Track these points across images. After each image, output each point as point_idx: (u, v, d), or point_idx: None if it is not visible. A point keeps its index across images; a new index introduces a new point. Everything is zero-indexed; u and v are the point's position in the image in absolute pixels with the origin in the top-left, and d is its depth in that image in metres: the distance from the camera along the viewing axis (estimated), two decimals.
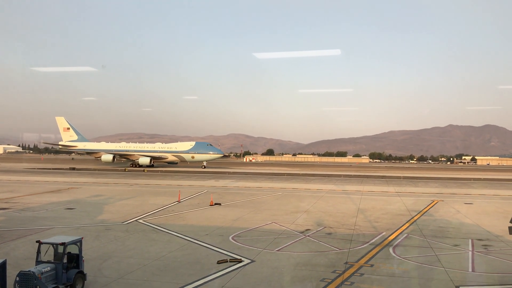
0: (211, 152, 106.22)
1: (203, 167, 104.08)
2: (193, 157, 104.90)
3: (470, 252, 20.50)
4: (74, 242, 14.29)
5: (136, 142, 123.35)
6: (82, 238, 14.86)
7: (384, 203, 40.27)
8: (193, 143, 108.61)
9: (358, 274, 16.25)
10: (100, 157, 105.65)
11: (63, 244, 13.78)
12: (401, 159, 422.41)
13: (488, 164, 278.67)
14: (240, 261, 17.71)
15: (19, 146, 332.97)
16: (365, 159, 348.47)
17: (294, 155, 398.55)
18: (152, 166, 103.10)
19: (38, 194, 41.97)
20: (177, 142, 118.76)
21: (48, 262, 13.80)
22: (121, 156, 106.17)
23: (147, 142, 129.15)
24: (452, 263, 18.14)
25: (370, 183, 67.82)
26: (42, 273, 12.94)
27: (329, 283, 15.07)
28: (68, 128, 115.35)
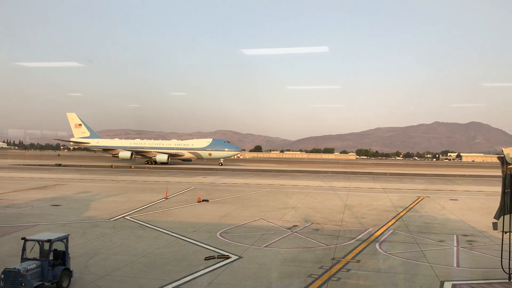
0: (229, 149, 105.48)
1: (220, 164, 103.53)
2: (210, 154, 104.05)
3: (455, 248, 20.75)
4: (60, 239, 14.17)
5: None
6: (68, 235, 14.74)
7: (370, 199, 40.55)
8: (210, 140, 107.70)
9: (345, 270, 16.37)
10: (117, 154, 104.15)
11: (49, 241, 13.66)
12: (387, 155, 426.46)
13: (473, 161, 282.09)
14: (228, 258, 17.73)
15: (4, 142, 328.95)
16: (352, 156, 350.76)
17: (281, 151, 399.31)
18: (166, 163, 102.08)
19: (24, 191, 41.52)
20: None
21: (34, 259, 13.68)
22: (138, 153, 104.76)
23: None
24: (438, 259, 18.36)
25: (357, 179, 68.25)
26: (27, 270, 12.83)
27: (316, 279, 15.16)
28: (80, 125, 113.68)
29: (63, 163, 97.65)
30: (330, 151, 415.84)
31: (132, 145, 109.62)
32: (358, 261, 17.79)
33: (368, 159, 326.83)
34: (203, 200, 36.36)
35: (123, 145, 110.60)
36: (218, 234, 22.78)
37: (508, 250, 11.83)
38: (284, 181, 61.22)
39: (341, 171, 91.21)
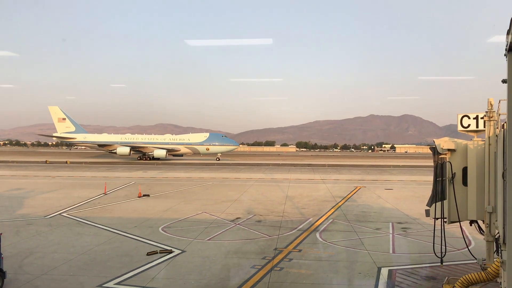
0: (227, 144, 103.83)
1: (217, 159, 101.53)
2: (208, 149, 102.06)
3: (391, 235, 21.69)
4: None
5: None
6: (0, 234, 14.01)
7: (310, 190, 41.47)
8: (207, 134, 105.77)
9: (287, 260, 16.68)
10: (114, 150, 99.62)
11: None
12: (326, 147, 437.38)
13: (406, 152, 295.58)
14: (171, 252, 17.56)
15: None
16: (292, 148, 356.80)
17: None
18: (164, 159, 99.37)
19: None
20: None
21: None
22: (134, 148, 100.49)
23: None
24: (375, 246, 19.12)
25: (297, 171, 69.56)
26: None
27: (259, 269, 15.35)
28: (64, 119, 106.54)
29: None
30: (271, 144, 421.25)
31: (124, 140, 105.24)
32: (300, 250, 18.19)
33: (308, 151, 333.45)
34: (144, 195, 35.68)
35: (115, 140, 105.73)
36: (160, 229, 22.48)
37: (440, 235, 12.52)
38: (226, 174, 61.26)
39: (282, 163, 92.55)
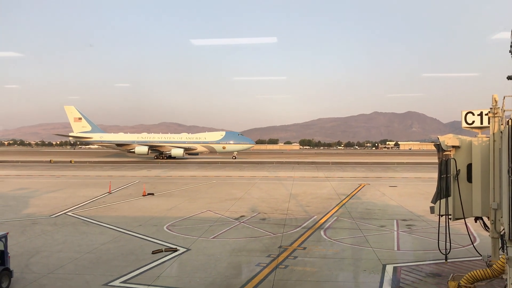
0: (243, 142, 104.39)
1: (233, 157, 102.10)
2: (224, 148, 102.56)
3: (395, 232, 21.69)
4: None
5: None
6: (7, 233, 14.09)
7: (314, 188, 41.47)
8: (223, 133, 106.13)
9: (292, 257, 16.71)
10: (133, 149, 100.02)
11: None
12: (329, 145, 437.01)
13: (410, 149, 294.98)
14: (176, 250, 17.61)
15: None
16: (296, 146, 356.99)
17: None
18: (175, 158, 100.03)
19: None
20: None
21: None
22: (152, 147, 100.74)
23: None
24: (379, 243, 19.12)
25: (301, 169, 69.57)
26: None
27: (264, 267, 15.38)
28: (80, 118, 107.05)
29: None
30: (274, 142, 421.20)
31: (141, 139, 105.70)
32: (304, 248, 18.21)
33: (311, 149, 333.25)
34: (148, 194, 35.77)
35: (132, 139, 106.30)
36: (165, 227, 22.55)
37: (445, 232, 12.51)
38: (230, 172, 61.34)
39: (285, 161, 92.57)
